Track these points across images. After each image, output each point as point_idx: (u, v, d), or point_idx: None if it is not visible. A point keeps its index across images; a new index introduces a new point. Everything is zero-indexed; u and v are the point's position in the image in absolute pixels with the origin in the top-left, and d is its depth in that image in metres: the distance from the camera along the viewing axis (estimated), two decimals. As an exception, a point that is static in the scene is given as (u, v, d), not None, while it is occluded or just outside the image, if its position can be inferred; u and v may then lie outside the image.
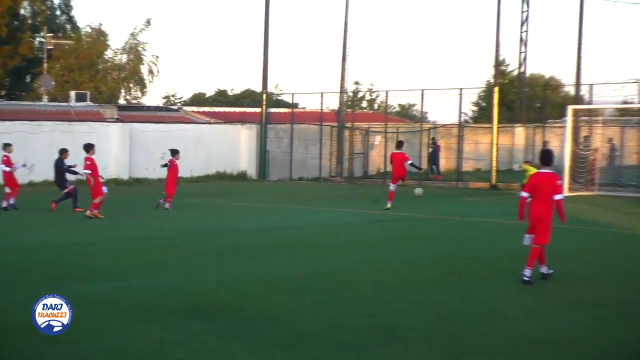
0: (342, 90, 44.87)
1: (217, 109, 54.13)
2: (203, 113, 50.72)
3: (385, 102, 47.72)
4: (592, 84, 37.49)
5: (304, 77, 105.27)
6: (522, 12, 50.02)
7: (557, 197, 13.34)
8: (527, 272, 13.24)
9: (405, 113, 73.62)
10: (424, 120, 48.05)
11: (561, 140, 38.56)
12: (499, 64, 40.63)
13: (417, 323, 10.51)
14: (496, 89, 38.71)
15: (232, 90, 75.70)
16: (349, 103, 48.87)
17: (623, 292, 12.56)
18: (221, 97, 72.83)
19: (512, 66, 66.02)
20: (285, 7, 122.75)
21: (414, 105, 73.42)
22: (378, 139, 44.24)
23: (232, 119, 47.88)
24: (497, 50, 39.16)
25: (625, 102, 43.88)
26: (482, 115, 66.50)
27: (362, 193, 34.78)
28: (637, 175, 34.53)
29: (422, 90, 41.03)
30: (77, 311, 9.91)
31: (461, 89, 39.15)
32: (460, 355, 9.08)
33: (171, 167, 25.67)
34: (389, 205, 25.95)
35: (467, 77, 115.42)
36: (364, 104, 71.37)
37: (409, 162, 26.70)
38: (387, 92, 44.78)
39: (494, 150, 38.03)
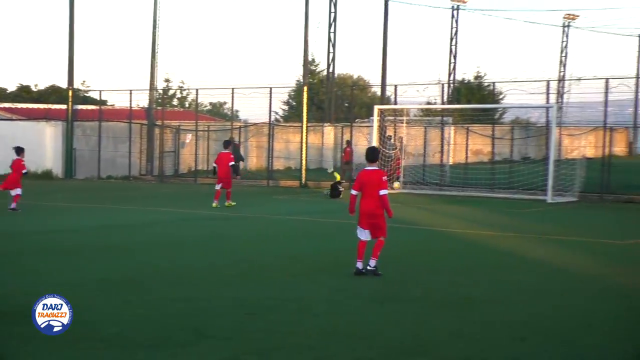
0: (152, 88, 44.30)
1: (19, 105, 52.11)
2: (4, 109, 48.69)
3: (196, 100, 47.53)
4: (396, 85, 38.83)
5: (113, 73, 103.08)
6: (330, 13, 51.15)
7: (382, 192, 13.81)
8: (372, 262, 13.85)
9: (217, 111, 73.57)
10: (235, 118, 48.20)
11: (368, 139, 39.76)
12: (307, 63, 41.30)
13: (226, 321, 10.56)
14: (305, 88, 39.34)
15: (36, 86, 73.08)
16: (160, 101, 48.32)
17: (426, 288, 13.08)
18: (24, 93, 70.10)
19: (322, 66, 67.55)
20: (92, 1, 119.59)
21: (224, 103, 73.51)
22: (189, 137, 43.99)
23: (36, 116, 46.25)
24: (306, 50, 39.84)
25: (428, 103, 45.79)
26: (292, 114, 67.49)
27: (172, 192, 34.52)
28: (439, 173, 36.07)
29: (233, 88, 41.16)
30: None
31: (271, 87, 39.60)
32: (268, 352, 9.20)
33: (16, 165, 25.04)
34: (215, 204, 26.20)
35: (279, 76, 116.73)
36: (175, 102, 70.77)
37: (231, 163, 26.78)
38: (197, 90, 44.62)
39: (304, 149, 38.67)
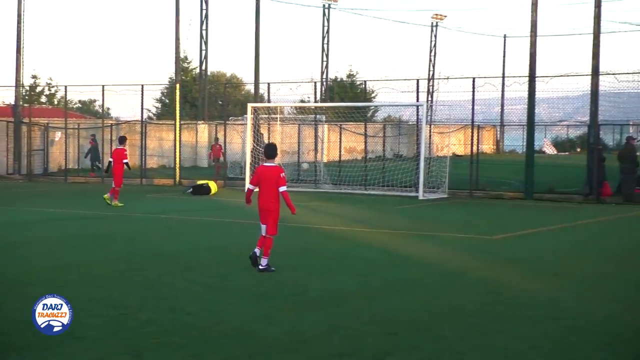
0: (18, 84, 42.95)
1: None
2: None
3: (65, 97, 46.38)
4: (269, 83, 38.89)
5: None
6: (202, 10, 50.83)
7: (282, 189, 14.06)
8: (264, 262, 14.00)
9: (87, 109, 72.02)
10: (106, 116, 47.28)
11: (242, 137, 39.68)
12: (179, 61, 40.88)
13: (98, 321, 10.36)
14: (177, 86, 38.95)
15: None
16: (27, 98, 46.90)
17: (299, 284, 13.15)
18: None
19: (194, 63, 66.99)
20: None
21: (95, 101, 72.04)
22: (58, 135, 42.88)
23: None
24: (178, 48, 39.41)
25: (302, 101, 46.05)
26: (165, 112, 66.68)
27: (42, 191, 33.60)
28: (313, 171, 36.32)
29: (103, 86, 40.38)
30: None
31: (143, 85, 39.00)
32: (141, 351, 9.07)
33: None
34: (116, 203, 26.10)
35: (151, 73, 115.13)
36: (44, 99, 68.91)
37: (125, 160, 26.37)
38: (66, 87, 43.52)
39: (177, 147, 38.29)
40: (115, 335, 9.76)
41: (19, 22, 42.41)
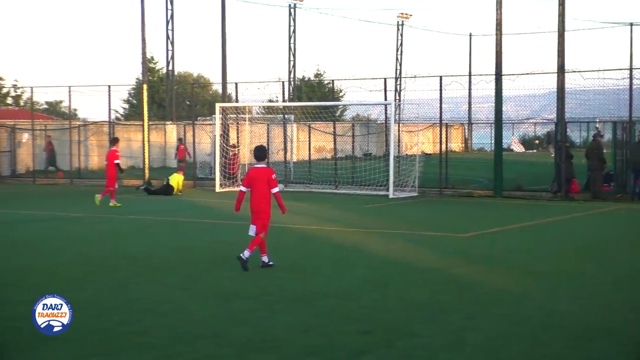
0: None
1: None
2: None
3: (31, 98, 46.03)
4: (237, 83, 38.81)
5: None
6: (167, 10, 50.60)
7: (274, 190, 14.25)
8: (246, 253, 14.09)
9: (54, 110, 71.48)
10: (73, 117, 46.93)
11: (211, 137, 39.57)
12: (146, 61, 40.64)
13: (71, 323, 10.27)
14: (144, 86, 38.73)
15: None
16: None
17: (271, 283, 13.14)
18: None
19: (161, 64, 66.71)
20: None
21: (61, 102, 71.49)
22: (26, 137, 42.49)
23: None
24: (144, 48, 39.16)
25: (270, 100, 46.00)
26: (133, 112, 66.33)
27: (10, 193, 33.29)
28: (283, 171, 36.29)
29: (70, 87, 40.11)
30: None
31: (109, 86, 38.76)
32: (114, 353, 9.02)
33: None
34: (114, 203, 26.37)
35: (118, 74, 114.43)
36: (9, 100, 68.29)
37: (116, 161, 26.41)
38: (32, 88, 43.21)
39: (146, 147, 38.08)
40: (87, 336, 9.70)
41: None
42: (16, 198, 30.68)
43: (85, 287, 12.78)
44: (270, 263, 14.49)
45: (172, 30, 50.31)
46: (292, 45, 59.00)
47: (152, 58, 66.81)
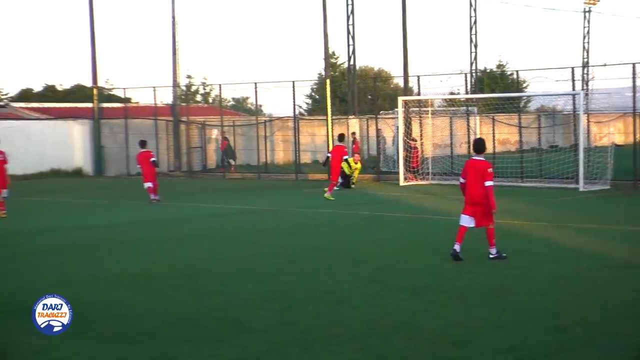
0: (175, 84, 44.38)
1: (46, 105, 52.44)
2: (32, 109, 49.05)
3: (220, 95, 47.61)
4: (419, 76, 38.65)
5: (135, 71, 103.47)
6: (348, 4, 51.00)
7: (487, 183, 14.33)
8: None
9: (240, 106, 73.69)
10: (259, 113, 48.22)
11: (394, 131, 39.65)
12: (328, 57, 41.14)
13: (265, 314, 10.57)
14: (327, 81, 39.23)
15: (61, 85, 73.45)
16: (183, 97, 48.42)
17: (462, 276, 13.01)
18: (50, 93, 70.52)
19: (342, 59, 67.41)
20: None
21: (247, 98, 73.62)
22: (215, 133, 44.04)
23: (63, 115, 46.55)
24: (326, 43, 39.68)
25: (452, 93, 45.56)
26: (316, 107, 67.41)
27: (201, 187, 34.62)
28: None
29: (256, 83, 41.17)
30: None
31: (294, 81, 39.52)
32: (309, 344, 9.19)
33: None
34: (328, 196, 26.59)
35: (300, 69, 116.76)
36: (199, 97, 70.94)
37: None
38: (220, 85, 44.70)
39: (330, 141, 38.56)
40: (282, 327, 9.92)
41: (173, 25, 43.81)
42: (207, 192, 31.83)
43: (277, 279, 13.09)
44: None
45: (353, 25, 50.63)
46: (473, 37, 58.15)
47: (334, 53, 67.63)
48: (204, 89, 71.16)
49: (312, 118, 54.22)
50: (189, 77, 68.81)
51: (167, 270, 14.01)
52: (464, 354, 8.81)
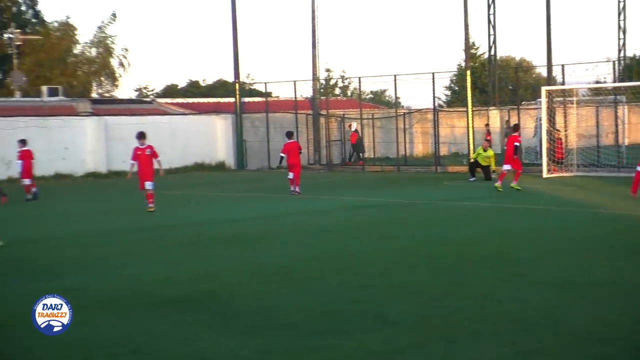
0: (315, 78, 44.75)
1: (190, 100, 53.90)
2: (176, 104, 50.48)
3: (359, 88, 47.73)
4: (563, 65, 37.62)
5: (275, 65, 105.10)
6: (489, -6, 50.10)
7: None
8: None
9: (379, 99, 73.75)
10: (398, 105, 48.08)
11: (536, 122, 38.74)
12: (469, 47, 40.56)
13: (408, 307, 10.49)
14: (468, 72, 38.71)
15: (204, 80, 75.48)
16: (322, 90, 48.79)
17: (607, 272, 12.56)
18: (193, 88, 72.53)
19: (483, 49, 66.37)
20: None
21: (385, 90, 73.62)
22: (354, 126, 44.21)
23: (206, 110, 47.71)
24: (467, 34, 39.09)
25: (597, 82, 44.13)
26: (455, 99, 66.72)
27: (341, 180, 34.80)
28: (615, 155, 34.68)
29: (395, 75, 40.98)
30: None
31: (433, 73, 39.13)
32: (454, 337, 9.06)
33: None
34: (498, 185, 26.24)
35: (436, 61, 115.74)
36: (337, 91, 71.38)
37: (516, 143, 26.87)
38: (359, 78, 44.77)
39: (470, 133, 38.07)
40: (426, 321, 9.82)
41: (313, 19, 44.15)
42: (346, 185, 31.95)
43: (417, 272, 12.98)
44: None
45: (494, 14, 49.82)
46: (621, 22, 56.15)
47: (474, 44, 66.70)
48: (343, 82, 71.64)
49: (451, 110, 53.66)
50: (327, 70, 69.41)
51: (308, 262, 14.11)
52: (611, 352, 8.48)
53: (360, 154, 43.47)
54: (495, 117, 49.75)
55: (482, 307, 10.43)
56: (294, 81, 44.64)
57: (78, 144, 38.68)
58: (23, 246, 17.07)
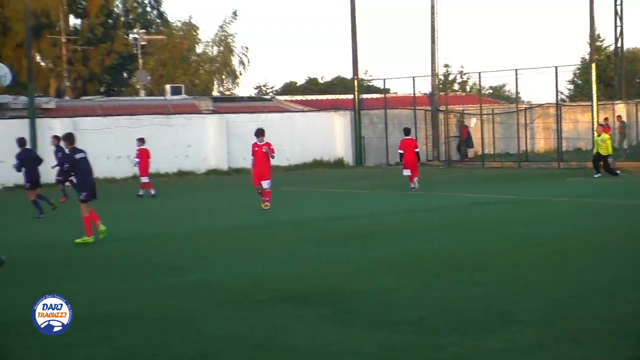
0: (434, 74, 44.37)
1: (309, 97, 54.26)
2: (295, 101, 50.89)
3: (479, 83, 47.11)
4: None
5: (393, 61, 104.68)
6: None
7: None
8: None
9: (498, 94, 72.57)
10: (518, 100, 47.19)
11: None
12: (594, 39, 39.40)
13: (532, 305, 10.24)
14: (593, 65, 37.63)
15: (322, 78, 75.81)
16: (441, 86, 48.33)
17: None
18: (312, 85, 72.98)
19: (607, 41, 64.40)
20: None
21: (504, 85, 72.39)
22: (474, 122, 43.62)
23: (325, 107, 47.94)
24: (592, 26, 38.02)
25: None
26: (578, 93, 65.01)
27: (459, 176, 34.39)
28: None
29: (516, 70, 40.14)
30: (182, 300, 10.24)
31: (556, 67, 38.14)
32: (581, 338, 8.79)
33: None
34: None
35: (562, 54, 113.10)
36: (456, 86, 70.64)
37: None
38: (479, 73, 44.18)
39: (595, 128, 36.94)
40: (554, 320, 9.55)
41: (432, 14, 43.77)
42: (465, 181, 31.49)
43: (544, 270, 12.66)
44: None
45: (621, 4, 48.30)
46: None
47: (599, 36, 64.85)
48: (461, 77, 70.84)
49: (574, 104, 52.30)
50: (446, 65, 68.74)
51: (429, 259, 13.97)
52: None
53: (470, 150, 42.94)
54: (620, 111, 48.20)
55: (610, 307, 10.09)
56: (413, 77, 44.41)
57: (200, 142, 39.44)
58: (150, 241, 17.53)
